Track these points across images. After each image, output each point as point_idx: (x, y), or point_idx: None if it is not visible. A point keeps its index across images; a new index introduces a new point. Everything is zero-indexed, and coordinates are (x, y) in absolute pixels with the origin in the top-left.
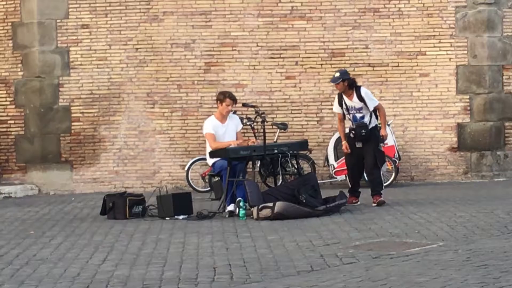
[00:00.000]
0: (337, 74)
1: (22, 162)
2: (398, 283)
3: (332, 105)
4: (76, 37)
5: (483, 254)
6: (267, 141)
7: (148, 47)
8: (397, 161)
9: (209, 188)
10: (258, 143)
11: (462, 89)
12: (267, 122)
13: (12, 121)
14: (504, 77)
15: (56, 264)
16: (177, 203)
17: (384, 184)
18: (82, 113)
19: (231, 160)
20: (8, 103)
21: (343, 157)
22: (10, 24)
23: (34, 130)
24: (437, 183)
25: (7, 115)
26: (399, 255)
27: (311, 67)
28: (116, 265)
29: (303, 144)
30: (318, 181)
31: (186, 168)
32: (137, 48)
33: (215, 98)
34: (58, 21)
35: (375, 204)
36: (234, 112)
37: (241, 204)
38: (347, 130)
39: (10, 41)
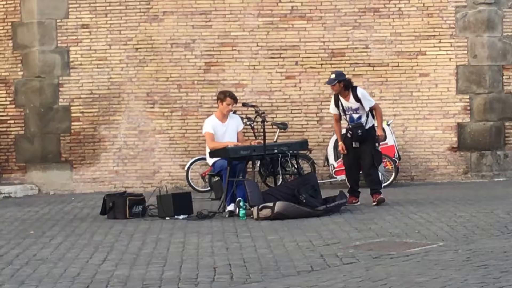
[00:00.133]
0: (333, 76)
1: (22, 162)
2: (398, 283)
3: None
4: (76, 37)
5: (483, 254)
6: (267, 141)
7: (148, 47)
8: (397, 161)
9: (209, 188)
10: (261, 143)
11: (462, 89)
12: (267, 122)
13: (12, 121)
14: (504, 77)
15: (56, 264)
16: (177, 203)
17: (384, 184)
18: (82, 113)
19: (231, 160)
20: (8, 103)
21: None
22: (10, 24)
23: (34, 130)
24: (437, 183)
25: (7, 115)
26: (399, 255)
27: (311, 67)
28: (116, 265)
29: (303, 144)
30: (318, 181)
31: (186, 168)
32: (137, 48)
33: (215, 98)
34: (58, 21)
35: (375, 203)
36: (234, 112)
37: (241, 204)
38: (343, 131)
39: (10, 41)
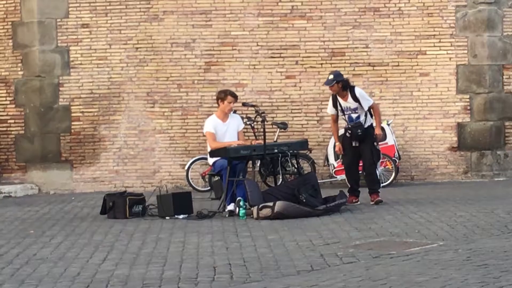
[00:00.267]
0: (331, 76)
1: (22, 161)
2: (398, 283)
3: None
4: (76, 37)
5: (483, 254)
6: (267, 141)
7: (148, 46)
8: (397, 160)
9: (209, 188)
10: (261, 143)
11: (462, 89)
12: (267, 121)
13: (12, 121)
14: (504, 77)
15: (56, 263)
16: (177, 203)
17: (384, 184)
18: (82, 112)
19: (231, 160)
20: (8, 102)
21: None
22: (10, 23)
23: (34, 129)
24: (437, 182)
25: (7, 115)
26: (399, 254)
27: (311, 67)
28: (116, 264)
29: (303, 144)
30: (318, 181)
31: (186, 167)
32: (137, 48)
33: (215, 98)
34: (58, 20)
35: (373, 203)
36: (235, 112)
37: (241, 203)
38: (342, 131)
39: (10, 41)
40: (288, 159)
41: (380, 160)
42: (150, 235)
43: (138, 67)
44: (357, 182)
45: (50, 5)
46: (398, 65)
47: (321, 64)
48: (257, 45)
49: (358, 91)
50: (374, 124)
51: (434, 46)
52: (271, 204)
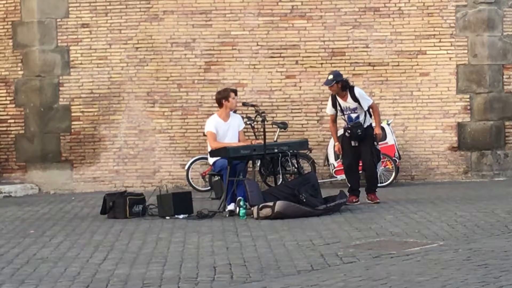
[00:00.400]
0: (331, 77)
1: (22, 161)
2: (398, 283)
3: None
4: (76, 36)
5: (484, 254)
6: (267, 141)
7: (148, 46)
8: (397, 160)
9: (209, 187)
10: (261, 143)
11: (462, 89)
12: (267, 121)
13: (12, 120)
14: (504, 77)
15: (56, 263)
16: (177, 203)
17: (384, 184)
18: (82, 112)
19: (232, 160)
20: (8, 102)
21: None
22: (10, 23)
23: (34, 129)
24: (437, 182)
25: (7, 114)
26: (400, 254)
27: (311, 66)
28: (117, 264)
29: (303, 144)
30: (318, 181)
31: (186, 167)
32: (137, 47)
33: (214, 98)
34: (58, 20)
35: (372, 202)
36: (235, 111)
37: (241, 203)
38: (341, 131)
39: (10, 40)
40: (288, 159)
41: (381, 160)
42: (150, 235)
43: (138, 67)
44: (357, 182)
45: (50, 5)
46: (398, 65)
47: (321, 64)
48: (257, 45)
49: (357, 91)
50: (373, 124)
51: (434, 46)
52: (271, 204)
